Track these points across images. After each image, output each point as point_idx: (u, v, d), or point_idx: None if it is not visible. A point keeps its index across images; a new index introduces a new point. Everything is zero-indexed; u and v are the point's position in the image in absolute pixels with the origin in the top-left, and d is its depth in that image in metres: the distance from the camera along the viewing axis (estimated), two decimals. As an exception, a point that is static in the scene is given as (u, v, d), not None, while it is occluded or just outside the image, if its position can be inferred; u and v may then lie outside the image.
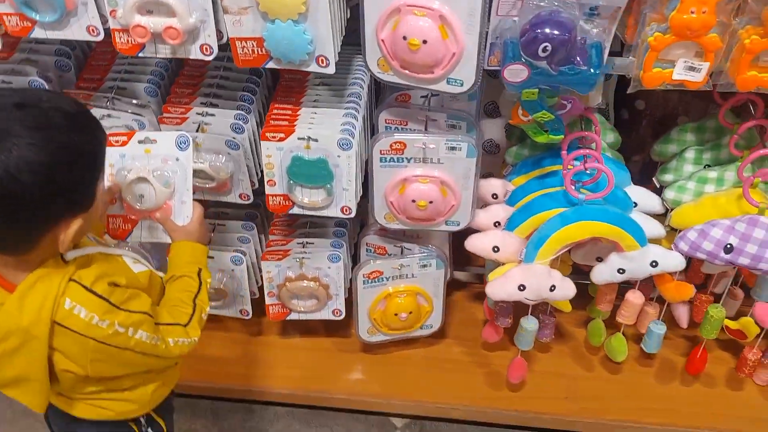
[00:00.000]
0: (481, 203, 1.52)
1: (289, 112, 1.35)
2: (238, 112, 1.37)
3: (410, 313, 1.59)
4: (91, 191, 0.97)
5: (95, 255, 1.04)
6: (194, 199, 1.23)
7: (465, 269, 1.87)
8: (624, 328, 1.61)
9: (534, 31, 1.08)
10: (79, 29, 1.21)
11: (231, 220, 1.61)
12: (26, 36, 1.23)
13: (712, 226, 1.35)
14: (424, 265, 1.54)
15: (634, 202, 1.46)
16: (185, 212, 1.23)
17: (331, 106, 1.36)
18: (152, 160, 1.23)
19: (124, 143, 1.24)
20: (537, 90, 1.16)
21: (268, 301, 1.62)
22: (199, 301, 1.14)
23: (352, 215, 1.41)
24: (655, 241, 1.46)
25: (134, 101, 1.42)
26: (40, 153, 0.88)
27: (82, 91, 1.43)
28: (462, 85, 1.19)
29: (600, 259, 1.45)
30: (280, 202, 1.40)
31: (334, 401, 1.72)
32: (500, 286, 1.41)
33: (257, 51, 1.20)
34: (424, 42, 1.13)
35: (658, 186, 1.54)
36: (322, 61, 1.19)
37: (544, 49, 1.09)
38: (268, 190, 1.38)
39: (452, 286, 1.85)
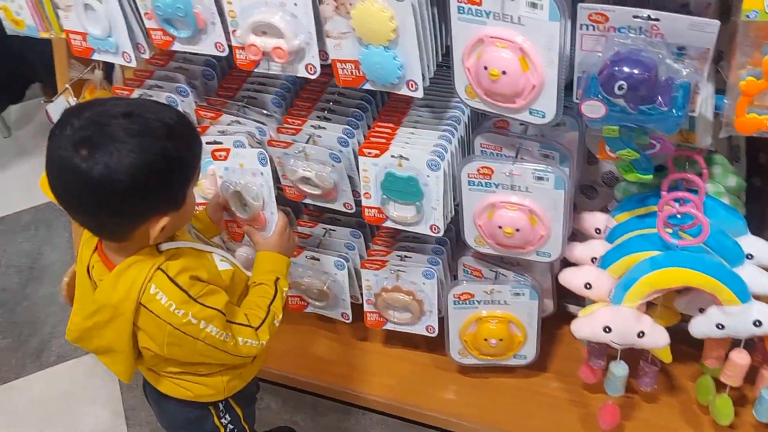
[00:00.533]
0: (584, 236, 1.50)
1: (389, 130, 1.42)
2: (346, 127, 1.47)
3: (501, 340, 1.59)
4: (181, 194, 1.10)
5: (186, 249, 1.17)
6: (280, 209, 1.34)
7: (577, 302, 1.82)
8: (737, 388, 1.50)
9: (611, 68, 1.07)
10: (209, 45, 1.36)
11: (342, 227, 1.71)
12: (168, 48, 1.41)
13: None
14: (517, 294, 1.53)
15: (750, 254, 1.36)
16: (275, 222, 1.34)
17: (429, 128, 1.41)
18: (245, 174, 1.35)
19: (224, 158, 1.38)
20: (617, 127, 1.14)
21: (366, 308, 1.69)
22: (273, 308, 1.23)
23: (440, 234, 1.45)
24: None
25: (262, 111, 1.57)
26: (137, 158, 1.01)
27: (219, 98, 1.60)
28: (544, 116, 1.19)
29: (702, 311, 1.37)
30: (374, 215, 1.47)
31: (426, 417, 1.75)
32: (585, 325, 1.38)
33: (355, 73, 1.28)
34: (504, 73, 1.15)
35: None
36: (412, 85, 1.25)
37: (620, 87, 1.06)
38: (364, 202, 1.47)
39: (561, 319, 1.81)
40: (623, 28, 1.07)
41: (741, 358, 1.40)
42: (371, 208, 1.47)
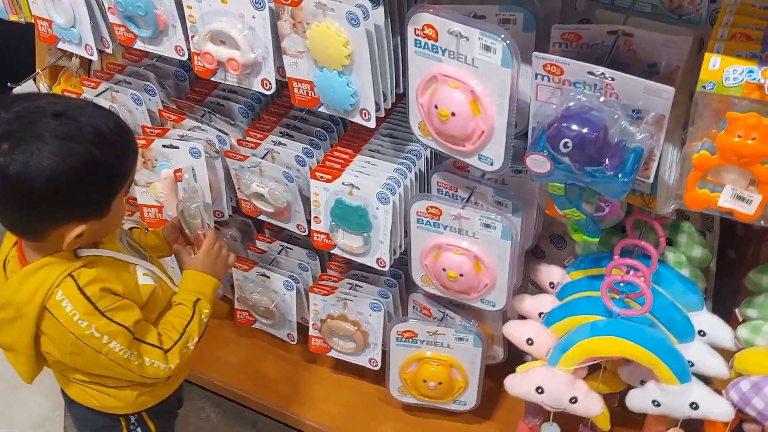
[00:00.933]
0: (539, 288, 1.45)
1: (346, 156, 1.38)
2: (306, 147, 1.43)
3: (440, 383, 1.53)
4: (105, 204, 1.06)
5: (106, 258, 1.12)
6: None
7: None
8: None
9: (560, 124, 1.01)
10: (169, 48, 1.33)
11: (300, 246, 1.66)
12: (131, 46, 1.38)
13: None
14: (461, 338, 1.48)
15: (701, 331, 1.30)
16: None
17: (386, 159, 1.37)
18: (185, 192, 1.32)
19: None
20: (563, 185, 1.09)
21: (311, 332, 1.65)
22: (188, 330, 1.18)
23: (386, 268, 1.40)
24: (716, 380, 1.29)
25: (228, 120, 1.53)
26: (59, 162, 0.98)
27: (187, 102, 1.56)
28: (492, 164, 1.14)
29: (643, 383, 1.31)
30: (323, 240, 1.43)
31: (362, 450, 1.71)
32: (519, 382, 1.33)
33: (311, 94, 1.24)
34: (453, 114, 1.10)
35: (740, 320, 1.36)
36: (365, 114, 1.20)
37: (566, 145, 1.01)
38: (313, 225, 1.42)
39: (512, 367, 1.75)
40: (578, 82, 1.02)
41: (678, 438, 1.33)
42: (320, 233, 1.42)
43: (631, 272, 1.25)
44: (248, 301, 1.67)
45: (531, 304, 1.40)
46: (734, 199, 1.01)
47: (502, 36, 1.01)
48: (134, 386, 1.21)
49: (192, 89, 1.62)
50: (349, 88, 1.17)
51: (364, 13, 1.10)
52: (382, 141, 1.41)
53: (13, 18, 1.48)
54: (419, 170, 1.38)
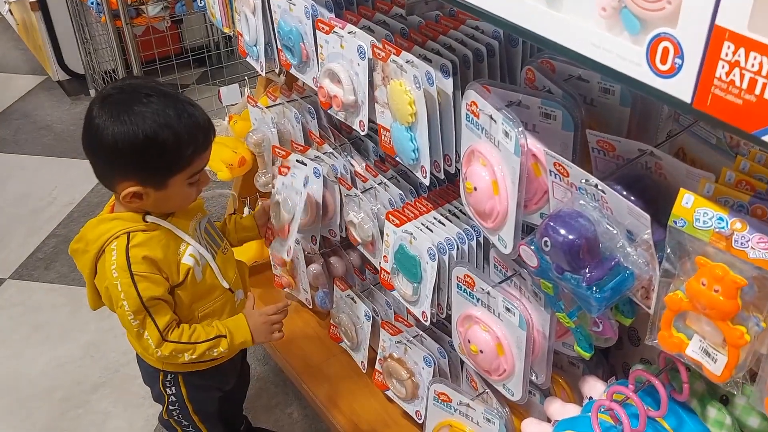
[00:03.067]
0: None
1: (424, 209, 1.47)
2: (402, 193, 1.54)
3: (462, 456, 1.53)
4: (159, 178, 1.29)
5: (164, 229, 1.35)
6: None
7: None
8: None
9: (546, 222, 1.02)
10: (309, 77, 1.55)
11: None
12: (289, 70, 1.62)
13: None
14: (488, 419, 1.47)
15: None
16: (290, 241, 1.47)
17: (457, 222, 1.43)
18: (290, 190, 1.51)
19: (285, 174, 1.55)
20: (551, 285, 1.07)
21: (376, 365, 1.74)
22: (195, 345, 1.35)
23: (427, 322, 1.45)
24: None
25: (358, 154, 1.71)
26: (128, 131, 1.24)
27: (335, 131, 1.77)
28: (506, 247, 1.16)
29: None
30: (387, 279, 1.53)
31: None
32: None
33: (389, 143, 1.36)
34: (475, 188, 1.15)
35: None
36: (423, 170, 1.30)
37: (545, 243, 1.01)
38: (382, 263, 1.53)
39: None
40: (582, 188, 1.02)
41: None
42: (386, 272, 1.53)
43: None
44: (338, 318, 1.82)
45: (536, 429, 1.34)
46: (702, 352, 0.92)
47: (518, 127, 1.04)
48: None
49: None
50: (412, 143, 1.27)
51: (428, 79, 1.20)
52: (462, 206, 1.47)
53: (227, 30, 1.82)
54: (485, 239, 1.41)
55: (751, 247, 0.82)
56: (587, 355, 1.14)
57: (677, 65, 0.70)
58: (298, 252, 1.95)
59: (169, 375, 1.49)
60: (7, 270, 2.65)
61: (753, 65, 0.63)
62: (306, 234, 1.75)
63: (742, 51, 0.64)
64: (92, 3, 3.05)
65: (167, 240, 1.35)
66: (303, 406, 2.03)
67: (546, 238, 1.01)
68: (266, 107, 1.81)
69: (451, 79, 1.21)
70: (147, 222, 1.34)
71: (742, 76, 0.65)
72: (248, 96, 1.89)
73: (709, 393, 1.22)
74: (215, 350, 1.37)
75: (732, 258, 0.85)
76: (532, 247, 1.05)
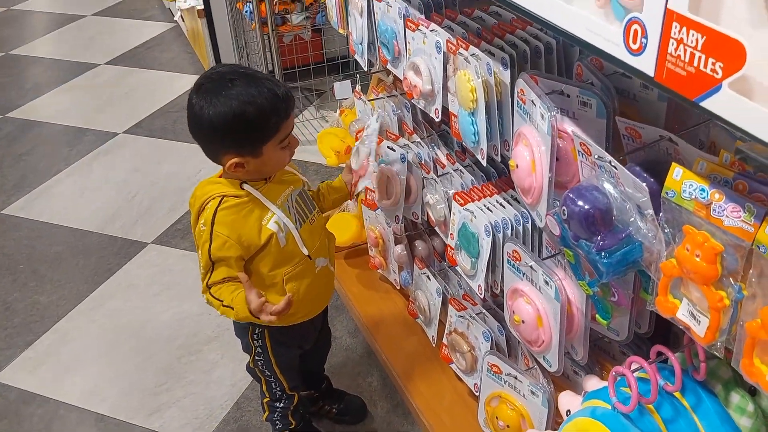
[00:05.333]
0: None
1: (488, 192, 1.62)
2: (473, 178, 1.70)
3: (508, 426, 1.65)
4: (255, 146, 1.50)
5: (254, 197, 1.56)
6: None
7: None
8: None
9: (567, 194, 1.14)
10: (400, 72, 1.74)
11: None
12: (386, 65, 1.82)
13: None
14: (533, 392, 1.59)
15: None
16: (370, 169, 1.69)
17: (516, 206, 1.56)
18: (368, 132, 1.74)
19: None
20: (572, 254, 1.19)
21: (443, 339, 1.90)
22: (220, 304, 1.54)
23: (481, 296, 1.59)
24: None
25: (442, 145, 1.89)
26: (222, 111, 1.45)
27: (426, 123, 1.96)
28: (541, 220, 1.29)
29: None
30: (452, 255, 1.69)
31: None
32: (533, 437, 1.42)
33: (457, 127, 1.53)
34: (517, 166, 1.29)
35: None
36: (482, 152, 1.45)
37: (563, 212, 1.14)
38: (448, 240, 1.69)
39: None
40: (602, 166, 1.14)
41: None
42: (451, 248, 1.68)
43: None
44: (415, 295, 1.99)
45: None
46: (689, 315, 1.02)
47: (552, 110, 1.18)
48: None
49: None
50: (473, 127, 1.44)
51: (488, 70, 1.36)
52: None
53: (341, 31, 2.05)
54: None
55: (726, 216, 0.92)
56: (605, 323, 1.25)
57: (644, 44, 0.83)
58: (388, 234, 2.15)
59: (257, 329, 1.71)
60: (151, 236, 3.04)
61: (692, 41, 0.76)
62: (390, 214, 1.93)
63: (684, 30, 0.76)
64: (247, 11, 3.42)
65: (254, 206, 1.57)
66: (382, 376, 2.21)
67: (564, 208, 1.14)
68: (369, 100, 2.02)
69: (509, 71, 1.36)
70: (243, 189, 1.57)
71: (685, 51, 0.77)
72: (355, 91, 2.11)
73: (735, 381, 1.28)
74: (224, 309, 1.54)
75: (713, 227, 0.95)
76: (556, 218, 1.18)
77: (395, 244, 2.12)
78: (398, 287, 2.27)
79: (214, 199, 1.54)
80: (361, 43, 1.89)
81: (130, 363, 2.40)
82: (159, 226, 3.10)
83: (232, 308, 1.53)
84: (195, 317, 2.57)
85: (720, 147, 1.23)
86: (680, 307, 1.03)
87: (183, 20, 4.79)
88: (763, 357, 0.95)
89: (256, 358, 1.78)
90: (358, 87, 2.22)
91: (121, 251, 2.96)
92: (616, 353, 1.61)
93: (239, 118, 1.46)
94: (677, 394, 1.25)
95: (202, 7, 3.94)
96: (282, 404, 1.83)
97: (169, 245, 2.99)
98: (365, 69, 1.93)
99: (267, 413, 1.86)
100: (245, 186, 1.57)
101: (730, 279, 0.96)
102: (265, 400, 1.85)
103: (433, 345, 2.00)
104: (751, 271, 0.93)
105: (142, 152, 3.70)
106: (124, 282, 2.79)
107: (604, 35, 0.88)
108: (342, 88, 2.24)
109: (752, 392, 1.28)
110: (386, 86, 2.13)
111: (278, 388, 1.81)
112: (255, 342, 1.74)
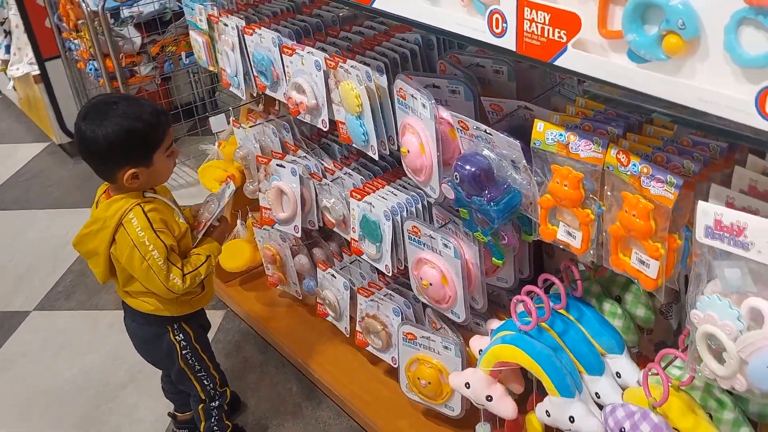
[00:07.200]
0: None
1: (380, 185, 1.87)
2: (363, 178, 1.94)
3: (429, 383, 1.89)
4: (146, 156, 1.69)
5: (160, 201, 1.76)
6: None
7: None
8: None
9: (455, 162, 1.42)
10: (281, 94, 1.96)
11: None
12: (264, 91, 2.03)
13: (621, 407, 1.38)
14: (446, 347, 1.84)
15: (618, 372, 1.53)
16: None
17: (406, 192, 1.82)
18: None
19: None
20: (466, 211, 1.46)
21: (357, 327, 2.11)
22: (200, 269, 1.77)
23: (389, 274, 1.84)
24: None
25: (327, 155, 2.12)
26: (112, 130, 1.64)
27: (307, 139, 2.18)
28: (435, 193, 1.56)
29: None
30: (357, 246, 1.92)
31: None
32: (456, 377, 1.67)
33: (346, 132, 1.77)
34: (408, 151, 1.55)
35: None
36: (372, 149, 1.70)
37: (455, 177, 1.41)
38: (351, 234, 1.92)
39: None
40: (479, 137, 1.42)
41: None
42: (355, 240, 1.92)
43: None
44: (323, 295, 2.19)
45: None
46: (566, 234, 1.32)
47: (431, 99, 1.45)
48: (171, 301, 1.80)
49: (318, 132, 2.24)
50: (362, 128, 1.68)
51: (368, 77, 1.61)
52: (409, 180, 1.87)
53: (212, 68, 2.24)
54: (428, 203, 1.81)
55: (581, 150, 1.23)
56: (500, 263, 1.53)
57: (504, 28, 1.11)
58: (284, 249, 2.34)
59: (175, 324, 1.87)
60: (32, 303, 3.01)
61: (541, 19, 1.05)
62: (288, 226, 2.13)
63: (534, 11, 1.05)
64: (91, 69, 3.48)
65: (164, 207, 1.76)
66: (300, 380, 2.38)
67: (456, 173, 1.41)
68: (249, 127, 2.22)
69: (385, 76, 1.62)
70: (146, 197, 1.74)
71: (537, 27, 1.06)
72: (233, 120, 2.30)
73: (604, 293, 1.61)
74: (211, 266, 1.80)
75: (572, 161, 1.25)
76: (450, 184, 1.45)
77: (294, 256, 2.31)
78: (300, 297, 2.46)
79: (132, 210, 1.70)
80: (236, 76, 2.09)
81: (46, 420, 2.41)
82: (38, 292, 3.08)
83: (210, 254, 1.77)
84: (101, 368, 2.60)
85: (560, 108, 1.56)
86: (558, 230, 1.33)
87: (15, 89, 4.70)
88: (624, 251, 1.26)
89: (183, 352, 1.92)
90: (232, 117, 2.41)
91: (4, 325, 2.91)
92: (506, 302, 1.91)
93: (131, 133, 1.66)
94: (564, 312, 1.55)
95: (38, 72, 3.93)
96: (217, 403, 1.99)
97: (52, 308, 2.98)
98: (243, 98, 2.12)
99: (204, 423, 1.99)
100: (147, 194, 1.75)
101: (593, 198, 1.27)
102: (201, 407, 1.99)
103: (347, 335, 2.21)
104: (605, 187, 1.24)
105: (2, 227, 3.62)
106: (16, 351, 2.76)
107: (472, 26, 1.16)
108: (217, 121, 2.42)
109: (618, 300, 1.61)
110: (260, 114, 2.33)
111: (210, 384, 1.97)
112: (177, 337, 1.90)
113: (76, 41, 3.55)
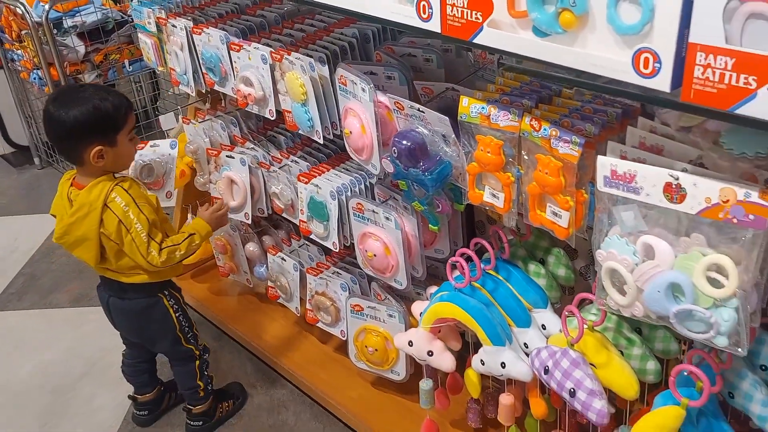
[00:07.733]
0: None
1: (324, 169, 2.03)
2: (309, 164, 2.10)
3: (376, 350, 2.06)
4: (111, 135, 1.82)
5: (131, 180, 1.90)
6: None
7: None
8: None
9: (393, 139, 1.59)
10: (229, 89, 2.11)
11: (316, 245, 2.31)
12: (213, 87, 2.17)
13: (544, 349, 1.57)
14: (390, 315, 2.01)
15: (544, 324, 1.72)
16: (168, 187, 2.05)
17: (350, 174, 1.99)
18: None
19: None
20: (404, 182, 1.64)
21: (307, 305, 2.26)
22: (180, 245, 1.91)
23: (336, 250, 2.00)
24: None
25: (273, 146, 2.27)
26: (80, 111, 1.77)
27: (254, 132, 2.33)
28: (376, 170, 1.73)
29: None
30: (305, 227, 2.07)
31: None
32: (400, 336, 1.84)
33: (292, 120, 1.93)
34: (351, 132, 1.72)
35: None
36: (317, 134, 1.86)
37: (395, 152, 1.58)
38: (299, 216, 2.07)
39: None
40: (412, 114, 1.60)
41: (505, 399, 1.74)
42: (303, 221, 2.07)
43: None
44: (273, 278, 2.34)
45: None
46: (492, 196, 1.50)
47: (370, 84, 1.62)
48: (153, 274, 1.94)
49: (264, 126, 2.39)
50: (307, 115, 1.84)
51: (311, 68, 1.78)
52: (354, 162, 2.04)
53: (161, 68, 2.37)
54: (370, 183, 1.98)
55: (500, 120, 1.42)
56: (436, 229, 1.71)
57: (431, 14, 1.29)
58: (235, 239, 2.48)
59: (166, 290, 2.03)
60: (-18, 308, 3.06)
61: (460, 3, 1.23)
62: (239, 214, 2.27)
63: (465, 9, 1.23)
64: (35, 78, 3.55)
65: (138, 184, 1.90)
66: (254, 362, 2.52)
67: (394, 148, 1.59)
68: (198, 123, 2.35)
69: (326, 66, 1.79)
70: (119, 176, 1.88)
71: (458, 11, 1.24)
72: (183, 118, 2.43)
73: (529, 256, 1.80)
74: (194, 244, 1.93)
75: (493, 131, 1.44)
76: (389, 159, 1.62)
77: (245, 244, 2.45)
78: (251, 285, 2.59)
79: (115, 187, 1.84)
80: (185, 74, 2.23)
81: (6, 413, 2.47)
82: (-12, 296, 3.13)
83: (194, 233, 1.89)
84: (59, 363, 2.68)
85: (482, 89, 1.75)
86: (485, 193, 1.51)
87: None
88: (540, 208, 1.45)
89: (177, 315, 2.07)
90: (181, 117, 2.54)
91: (-44, 327, 2.95)
92: (443, 275, 2.08)
93: (99, 111, 1.80)
94: (493, 272, 1.74)
95: (-23, 84, 3.97)
96: (207, 355, 2.20)
97: (5, 309, 3.03)
98: (193, 94, 2.26)
99: (199, 375, 2.18)
100: (118, 175, 1.88)
101: (512, 163, 1.46)
102: (197, 363, 2.16)
103: (298, 315, 2.35)
104: (523, 152, 1.43)
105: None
106: (-32, 352, 2.81)
107: (404, 14, 1.34)
108: (167, 119, 2.54)
109: (542, 262, 1.80)
110: (207, 111, 2.47)
111: (197, 341, 2.15)
112: (170, 301, 2.05)
113: (18, 51, 3.61)
